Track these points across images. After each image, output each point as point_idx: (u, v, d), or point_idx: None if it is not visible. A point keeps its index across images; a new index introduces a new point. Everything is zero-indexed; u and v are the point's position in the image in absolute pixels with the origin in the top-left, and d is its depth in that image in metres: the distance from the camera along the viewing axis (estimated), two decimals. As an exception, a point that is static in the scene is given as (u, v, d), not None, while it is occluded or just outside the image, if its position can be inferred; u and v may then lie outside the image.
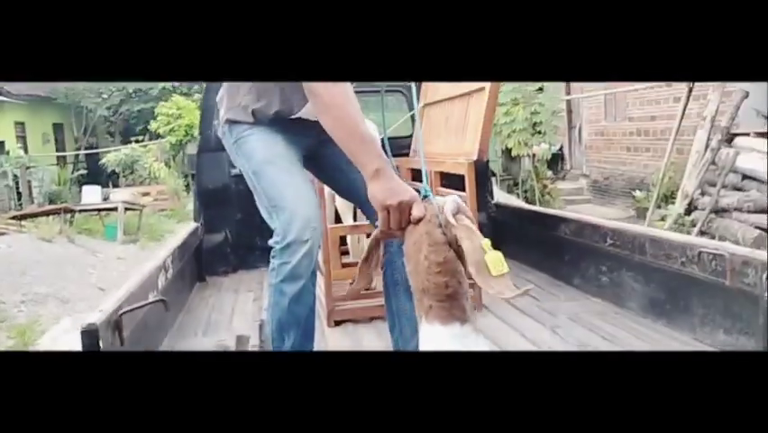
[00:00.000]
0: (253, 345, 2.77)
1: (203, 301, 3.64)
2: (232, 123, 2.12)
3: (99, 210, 12.16)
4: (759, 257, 2.09)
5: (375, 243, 1.53)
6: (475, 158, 3.06)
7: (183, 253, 3.55)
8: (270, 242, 2.01)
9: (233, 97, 2.13)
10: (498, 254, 1.31)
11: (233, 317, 3.27)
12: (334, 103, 1.72)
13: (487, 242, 1.34)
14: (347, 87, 1.75)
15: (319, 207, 2.09)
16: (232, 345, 2.77)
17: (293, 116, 2.07)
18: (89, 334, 1.78)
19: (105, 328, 1.86)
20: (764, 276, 2.02)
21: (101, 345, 1.81)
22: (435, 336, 1.33)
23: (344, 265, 3.18)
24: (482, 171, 4.05)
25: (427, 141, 3.78)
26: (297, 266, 1.94)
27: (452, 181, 3.26)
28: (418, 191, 1.48)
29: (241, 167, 2.13)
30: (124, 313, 2.01)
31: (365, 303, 3.06)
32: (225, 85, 2.21)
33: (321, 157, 2.17)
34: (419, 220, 1.40)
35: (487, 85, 3.06)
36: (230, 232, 4.34)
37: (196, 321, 3.22)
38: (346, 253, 3.76)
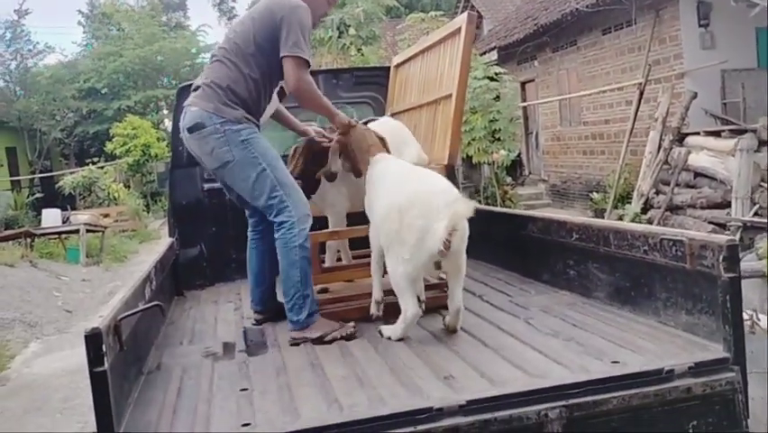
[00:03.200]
0: (240, 350, 2.86)
1: (184, 313, 3.69)
2: (239, 122, 2.95)
3: (60, 233, 11.98)
4: (716, 240, 2.26)
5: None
6: (446, 163, 3.20)
7: (163, 267, 3.60)
8: (282, 217, 2.94)
9: (244, 100, 2.99)
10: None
11: (217, 327, 3.33)
12: (315, 93, 3.02)
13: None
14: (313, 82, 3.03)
15: None
16: (219, 352, 2.85)
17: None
18: (93, 338, 1.85)
19: (107, 333, 1.93)
20: (721, 257, 2.20)
21: (104, 348, 1.88)
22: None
23: (324, 271, 3.27)
24: (450, 176, 4.19)
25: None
26: (308, 231, 2.97)
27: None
28: None
29: (246, 158, 2.94)
30: (123, 318, 2.08)
31: (342, 306, 3.18)
32: (228, 84, 2.98)
33: None
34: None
35: (453, 92, 3.21)
36: (205, 246, 4.38)
37: (180, 331, 3.27)
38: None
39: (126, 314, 2.13)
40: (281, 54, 2.92)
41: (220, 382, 2.46)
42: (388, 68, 4.58)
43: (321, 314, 3.00)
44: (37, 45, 20.67)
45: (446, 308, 3.18)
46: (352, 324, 2.92)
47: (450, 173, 3.84)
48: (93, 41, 26.13)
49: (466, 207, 2.59)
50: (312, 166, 3.37)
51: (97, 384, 1.87)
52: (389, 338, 2.78)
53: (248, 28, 3.03)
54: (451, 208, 2.57)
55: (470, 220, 4.41)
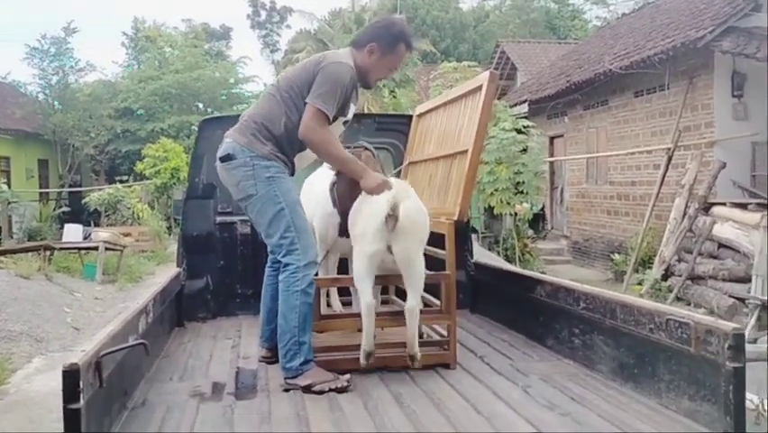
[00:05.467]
0: (229, 392, 2.81)
1: (181, 346, 3.65)
2: (268, 159, 3.02)
3: (79, 249, 12.08)
4: (722, 327, 2.18)
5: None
6: (456, 218, 3.16)
7: (164, 298, 3.58)
8: (290, 259, 2.95)
9: (277, 138, 3.05)
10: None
11: (211, 364, 3.28)
12: (323, 144, 3.04)
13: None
14: (328, 133, 3.03)
15: None
16: (207, 392, 2.80)
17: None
18: (71, 374, 1.82)
19: (86, 369, 1.89)
20: (726, 345, 2.11)
21: (81, 384, 1.84)
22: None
23: (323, 317, 3.22)
24: (462, 230, 4.15)
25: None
26: (312, 276, 2.97)
27: (432, 238, 3.35)
28: None
29: (268, 194, 2.99)
30: (105, 355, 2.05)
31: (342, 355, 3.12)
32: (262, 120, 3.08)
33: None
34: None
35: (470, 148, 3.18)
36: (211, 278, 4.36)
37: (173, 366, 3.23)
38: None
39: (109, 351, 2.09)
40: (305, 100, 3.01)
41: (201, 426, 2.40)
42: (411, 116, 4.59)
43: (316, 362, 2.94)
44: (79, 63, 21.20)
45: (447, 366, 3.13)
46: (346, 377, 2.85)
47: (461, 228, 3.80)
48: (134, 63, 26.75)
49: (407, 192, 2.99)
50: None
51: (70, 422, 1.83)
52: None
53: (295, 73, 3.17)
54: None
55: (482, 275, 4.39)
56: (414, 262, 2.96)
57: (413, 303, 2.96)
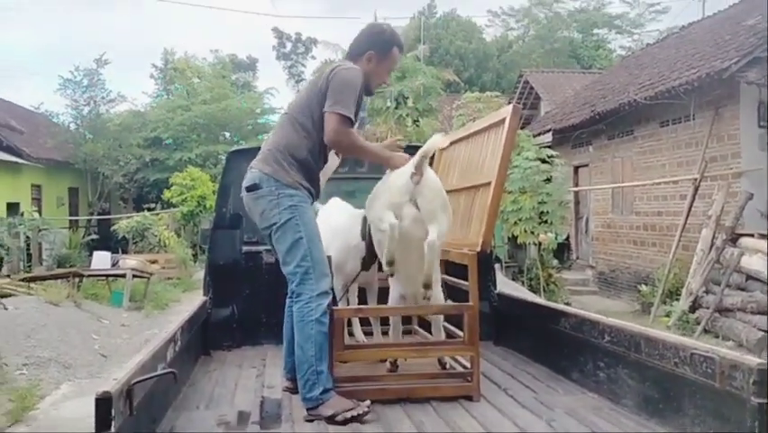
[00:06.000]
0: (254, 421, 2.84)
1: (207, 375, 3.69)
2: (293, 187, 3.08)
3: (107, 276, 12.26)
4: (747, 362, 2.17)
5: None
6: (479, 250, 3.19)
7: (191, 326, 3.64)
8: (303, 289, 3.00)
9: (301, 161, 3.12)
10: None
11: (236, 393, 3.32)
12: (354, 144, 3.20)
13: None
14: (353, 133, 3.13)
15: None
16: (233, 421, 2.84)
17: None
18: (103, 402, 1.87)
19: (118, 397, 1.94)
20: (751, 380, 2.10)
21: (113, 412, 1.89)
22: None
23: (347, 347, 3.25)
24: (486, 261, 4.16)
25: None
26: (327, 305, 3.01)
27: (455, 269, 3.38)
28: None
29: (289, 223, 3.04)
30: (136, 383, 2.10)
31: (365, 385, 3.14)
32: (285, 147, 3.14)
33: None
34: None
35: (493, 181, 3.22)
36: (237, 307, 4.42)
37: (199, 394, 3.27)
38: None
39: (140, 379, 2.14)
40: (323, 110, 3.07)
41: (227, 455, 2.44)
42: (434, 147, 4.63)
43: (339, 392, 2.96)
44: (110, 93, 21.65)
45: (471, 399, 3.13)
46: (366, 403, 2.86)
47: (484, 258, 3.82)
48: (164, 93, 27.28)
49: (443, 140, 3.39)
50: None
51: (101, 449, 1.88)
52: None
53: (306, 92, 3.26)
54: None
55: (505, 306, 4.39)
56: (438, 219, 3.07)
57: (433, 237, 3.03)
